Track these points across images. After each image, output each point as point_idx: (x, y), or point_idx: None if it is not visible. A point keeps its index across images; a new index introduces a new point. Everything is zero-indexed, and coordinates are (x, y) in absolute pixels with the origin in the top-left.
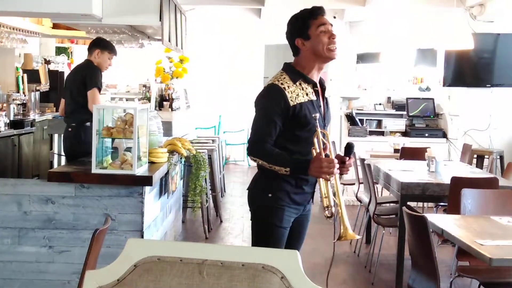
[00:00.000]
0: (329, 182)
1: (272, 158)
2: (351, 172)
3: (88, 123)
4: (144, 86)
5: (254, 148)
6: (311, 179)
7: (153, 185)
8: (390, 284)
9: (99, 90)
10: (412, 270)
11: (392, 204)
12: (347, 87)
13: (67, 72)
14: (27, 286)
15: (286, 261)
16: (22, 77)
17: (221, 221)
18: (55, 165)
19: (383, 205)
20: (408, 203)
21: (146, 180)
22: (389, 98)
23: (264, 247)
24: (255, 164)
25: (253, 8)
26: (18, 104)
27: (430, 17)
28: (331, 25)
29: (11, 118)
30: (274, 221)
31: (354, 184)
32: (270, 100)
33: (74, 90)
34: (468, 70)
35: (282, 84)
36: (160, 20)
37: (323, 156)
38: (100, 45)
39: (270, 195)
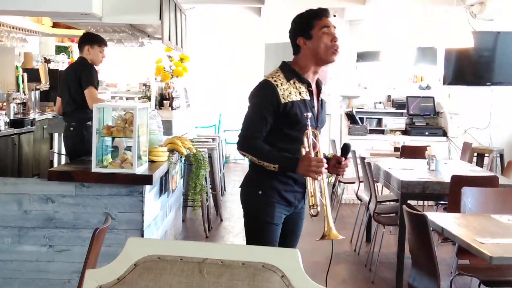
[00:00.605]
0: (316, 181)
1: (261, 154)
2: (351, 170)
3: (89, 122)
4: (144, 85)
5: (245, 143)
6: (301, 178)
7: (153, 184)
8: (391, 282)
9: (96, 87)
10: (412, 269)
11: (392, 203)
12: (347, 85)
13: None
14: (27, 285)
15: (286, 259)
16: (22, 76)
17: (221, 220)
18: (55, 164)
19: (383, 203)
20: (408, 201)
21: (146, 179)
22: (389, 96)
23: (257, 244)
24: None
25: (253, 7)
26: (18, 103)
27: (430, 15)
28: (335, 27)
29: (11, 117)
30: (266, 218)
31: (354, 182)
32: (262, 96)
33: (71, 90)
34: (468, 69)
35: (275, 81)
36: (160, 19)
37: (312, 155)
38: (88, 40)
39: (260, 192)
